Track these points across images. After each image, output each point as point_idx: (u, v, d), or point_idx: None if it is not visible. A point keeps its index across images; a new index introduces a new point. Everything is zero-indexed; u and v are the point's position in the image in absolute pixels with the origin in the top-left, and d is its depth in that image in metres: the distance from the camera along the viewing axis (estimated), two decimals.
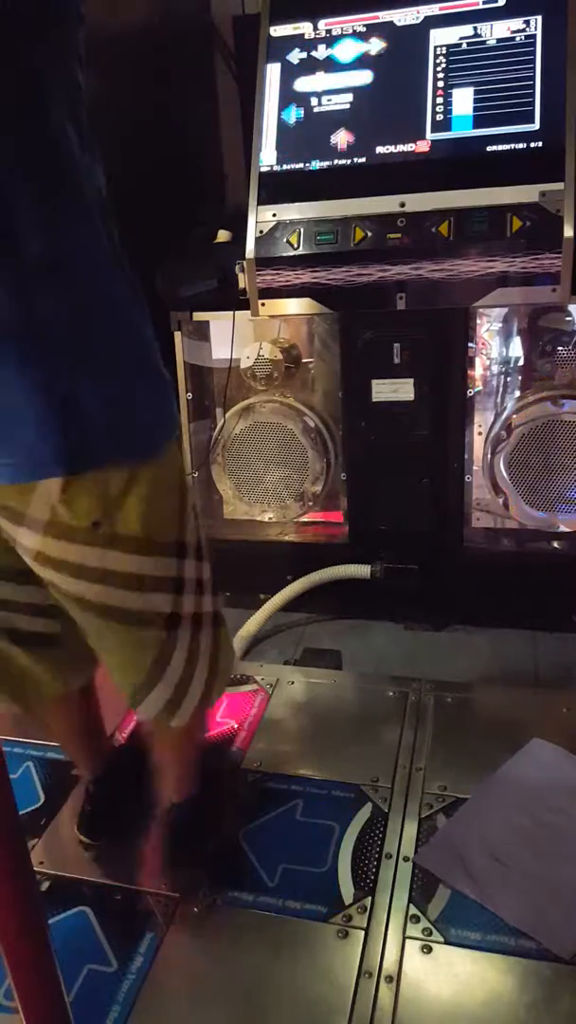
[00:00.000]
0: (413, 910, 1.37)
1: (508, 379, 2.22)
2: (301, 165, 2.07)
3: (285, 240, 2.05)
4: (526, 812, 1.54)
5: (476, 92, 1.94)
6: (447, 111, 1.95)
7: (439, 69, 1.97)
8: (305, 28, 2.10)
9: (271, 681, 2.00)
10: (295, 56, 2.10)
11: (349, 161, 2.03)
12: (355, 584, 2.31)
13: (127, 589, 1.11)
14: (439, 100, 1.97)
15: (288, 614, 2.39)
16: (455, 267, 1.93)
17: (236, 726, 1.84)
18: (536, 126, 1.88)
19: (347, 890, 1.42)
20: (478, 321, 2.17)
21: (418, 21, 2.01)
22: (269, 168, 2.09)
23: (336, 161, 2.04)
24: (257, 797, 1.64)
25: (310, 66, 2.09)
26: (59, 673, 1.33)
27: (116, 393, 1.04)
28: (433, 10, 1.99)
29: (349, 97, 2.04)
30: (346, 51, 2.06)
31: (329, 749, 1.76)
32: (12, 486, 1.02)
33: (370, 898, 1.40)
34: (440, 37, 1.98)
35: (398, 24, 2.02)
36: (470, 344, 2.16)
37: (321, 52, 2.08)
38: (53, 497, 1.02)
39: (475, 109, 1.94)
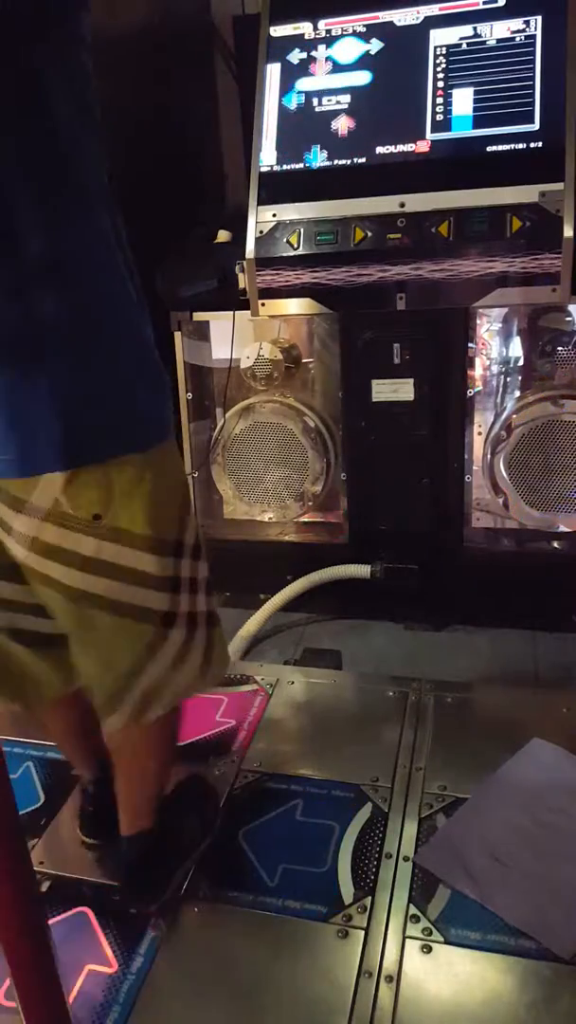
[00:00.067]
0: (413, 910, 1.37)
1: (508, 379, 2.22)
2: (301, 165, 2.07)
3: (285, 240, 2.05)
4: (526, 812, 1.54)
5: (476, 92, 1.94)
6: (447, 111, 1.96)
7: (439, 69, 1.98)
8: (305, 28, 2.10)
9: (271, 681, 2.00)
10: (295, 56, 2.10)
11: (349, 161, 2.03)
12: (355, 584, 2.31)
13: (121, 581, 1.11)
14: (439, 100, 1.97)
15: (288, 614, 2.39)
16: (455, 267, 1.93)
17: (236, 725, 1.85)
18: (536, 126, 1.88)
19: (347, 890, 1.42)
20: (478, 321, 2.17)
21: (418, 21, 2.01)
22: (269, 168, 2.09)
23: (336, 161, 2.04)
24: (257, 797, 1.64)
25: (310, 66, 2.09)
26: (59, 672, 1.33)
27: (116, 391, 1.06)
28: (433, 10, 1.99)
29: (349, 97, 2.04)
30: (346, 51, 2.06)
31: (329, 749, 1.76)
32: (15, 481, 1.04)
33: (370, 898, 1.40)
34: (440, 37, 1.98)
35: (398, 24, 2.02)
36: (470, 344, 2.16)
37: (321, 52, 2.08)
38: (56, 490, 1.04)
39: (475, 109, 1.94)
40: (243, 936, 1.35)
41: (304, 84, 2.09)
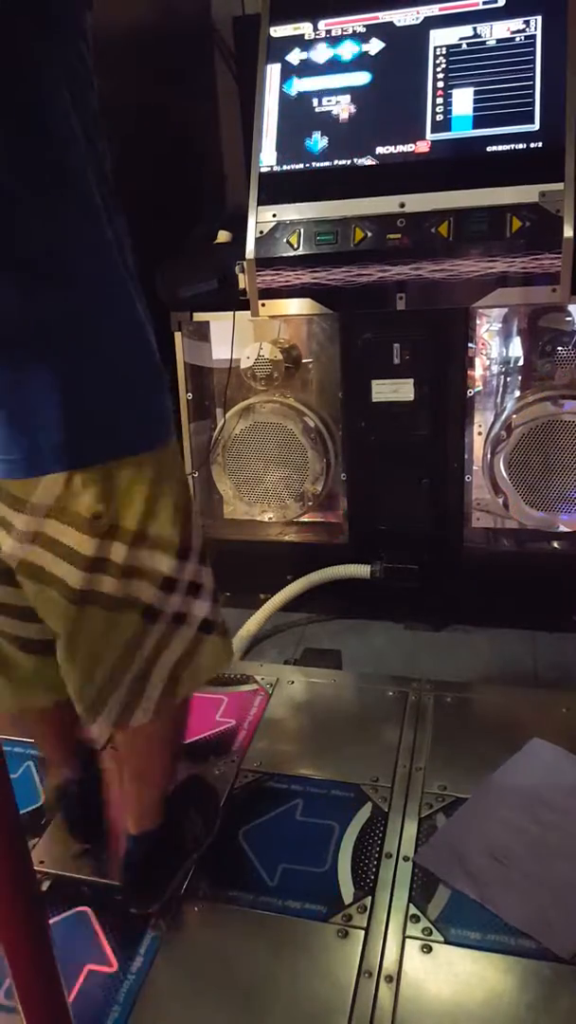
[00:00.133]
0: (413, 910, 1.37)
1: (508, 379, 2.22)
2: (301, 165, 2.07)
3: (285, 240, 2.05)
4: (526, 812, 1.54)
5: (476, 92, 1.94)
6: (447, 111, 1.96)
7: (439, 69, 1.98)
8: (305, 28, 2.10)
9: (271, 681, 2.00)
10: (295, 56, 2.10)
11: (349, 161, 2.03)
12: (355, 584, 2.31)
13: (121, 580, 1.11)
14: (439, 100, 1.97)
15: (288, 614, 2.39)
16: (455, 267, 1.93)
17: (236, 725, 1.85)
18: (536, 126, 1.88)
19: (347, 890, 1.42)
20: (478, 321, 2.17)
21: (418, 22, 2.01)
22: (269, 168, 2.09)
23: (336, 161, 2.04)
24: (257, 797, 1.64)
25: (310, 66, 2.09)
26: (55, 676, 1.32)
27: (117, 392, 1.06)
28: (433, 11, 1.99)
29: (349, 97, 2.04)
30: (346, 51, 2.06)
31: (329, 749, 1.76)
32: (16, 481, 1.05)
33: (370, 898, 1.40)
34: (440, 38, 1.98)
35: (398, 25, 2.02)
36: (470, 344, 2.16)
37: (321, 52, 2.08)
38: (57, 490, 1.04)
39: (475, 109, 1.94)
40: (243, 936, 1.36)
41: (304, 84, 2.09)
